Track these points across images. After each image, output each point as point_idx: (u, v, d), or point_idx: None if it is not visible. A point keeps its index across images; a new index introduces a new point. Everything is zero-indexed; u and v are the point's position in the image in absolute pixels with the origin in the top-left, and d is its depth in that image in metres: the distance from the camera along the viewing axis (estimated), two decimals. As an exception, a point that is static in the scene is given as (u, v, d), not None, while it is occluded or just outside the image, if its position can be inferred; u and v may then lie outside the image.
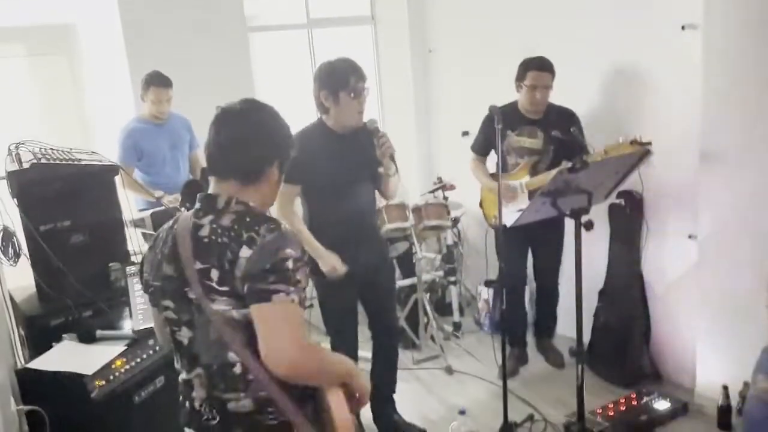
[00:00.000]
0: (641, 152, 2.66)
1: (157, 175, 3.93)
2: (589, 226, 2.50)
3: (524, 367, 3.78)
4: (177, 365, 1.64)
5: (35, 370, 2.24)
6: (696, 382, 3.21)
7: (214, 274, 1.44)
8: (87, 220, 2.73)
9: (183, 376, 1.62)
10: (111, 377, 2.20)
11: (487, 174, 3.63)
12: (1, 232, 2.74)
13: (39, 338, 2.54)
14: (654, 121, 3.17)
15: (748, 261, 2.85)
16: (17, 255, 2.74)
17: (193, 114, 3.94)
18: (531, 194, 3.32)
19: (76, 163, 2.77)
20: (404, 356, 3.90)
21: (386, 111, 5.18)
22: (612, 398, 3.21)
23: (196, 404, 1.57)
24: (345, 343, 2.94)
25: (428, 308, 4.06)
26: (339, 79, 2.68)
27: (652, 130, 3.09)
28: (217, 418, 1.53)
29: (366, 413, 3.16)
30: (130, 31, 4.18)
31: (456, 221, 4.32)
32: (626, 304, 3.50)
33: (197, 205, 1.56)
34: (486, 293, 4.27)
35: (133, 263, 2.71)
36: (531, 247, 3.68)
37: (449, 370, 3.79)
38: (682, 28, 3.01)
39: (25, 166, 2.60)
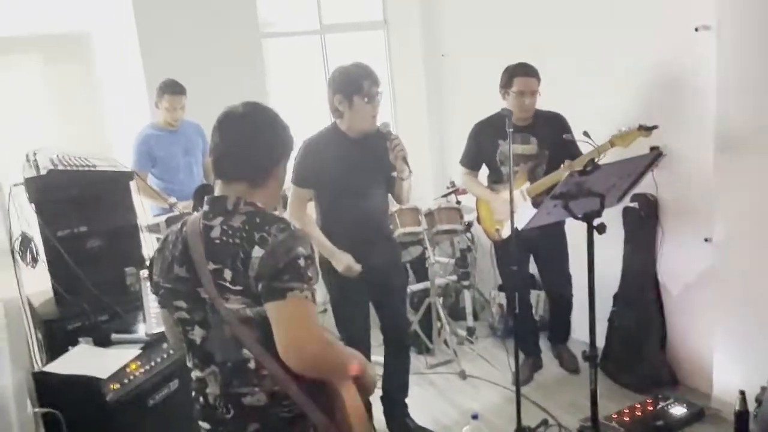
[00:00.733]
0: (654, 155, 2.65)
1: (171, 181, 3.98)
2: (602, 229, 2.48)
3: (539, 372, 3.75)
4: (189, 364, 1.67)
5: (52, 374, 2.27)
6: (713, 387, 3.17)
7: (227, 274, 1.47)
8: (103, 226, 2.76)
9: (196, 374, 1.64)
10: (125, 381, 2.23)
11: (482, 187, 3.59)
12: (20, 238, 2.78)
13: (56, 342, 2.58)
14: (668, 124, 3.14)
15: (765, 264, 2.82)
16: (35, 260, 2.78)
17: (206, 120, 3.92)
18: (534, 200, 3.31)
19: (92, 169, 2.81)
20: (417, 361, 3.90)
21: (399, 115, 5.18)
22: (627, 403, 3.18)
23: (210, 399, 1.60)
24: (357, 347, 2.94)
25: (441, 313, 4.05)
26: (353, 84, 2.70)
27: (667, 133, 3.07)
28: (232, 413, 1.56)
29: (379, 417, 3.17)
30: (145, 38, 4.24)
31: (469, 225, 4.31)
32: (641, 308, 3.47)
33: (205, 207, 1.59)
34: (499, 298, 4.26)
35: (147, 268, 2.73)
36: (533, 255, 3.65)
37: (463, 375, 3.78)
38: (696, 29, 2.99)
39: (43, 172, 2.64)
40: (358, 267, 2.82)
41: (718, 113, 2.89)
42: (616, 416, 3.05)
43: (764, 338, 2.79)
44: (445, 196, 4.39)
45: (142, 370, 2.30)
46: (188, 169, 4.03)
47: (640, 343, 3.44)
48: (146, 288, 2.55)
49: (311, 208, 2.98)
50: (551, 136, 3.32)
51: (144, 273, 2.62)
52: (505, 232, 3.04)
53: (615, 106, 3.50)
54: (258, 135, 1.59)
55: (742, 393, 2.87)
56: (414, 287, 4.20)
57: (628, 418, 3.03)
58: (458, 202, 4.29)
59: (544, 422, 3.17)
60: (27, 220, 2.78)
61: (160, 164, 3.97)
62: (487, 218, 3.60)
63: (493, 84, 3.47)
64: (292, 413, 1.54)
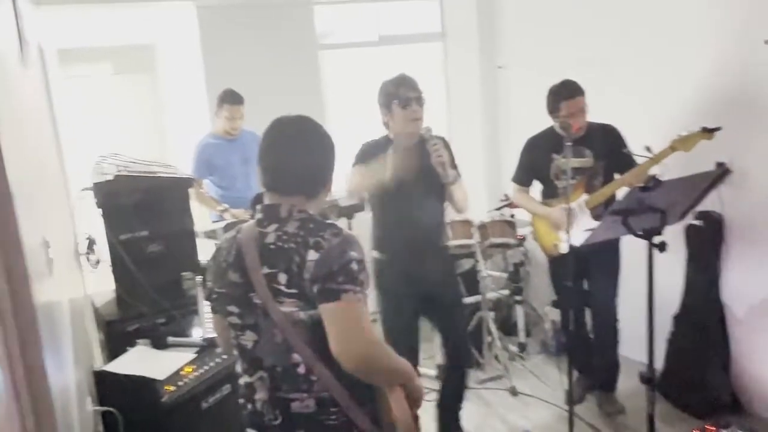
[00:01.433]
0: (719, 171, 2.55)
1: (229, 188, 4.07)
2: (663, 247, 2.40)
3: (593, 393, 3.64)
4: (238, 369, 1.70)
5: (111, 373, 2.35)
6: (779, 416, 3.02)
7: (282, 277, 1.51)
8: (163, 231, 2.85)
9: (245, 379, 1.67)
10: (180, 383, 2.28)
11: (537, 202, 3.50)
12: (86, 240, 2.90)
13: (115, 342, 2.67)
14: (735, 139, 3.02)
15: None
16: (98, 261, 2.90)
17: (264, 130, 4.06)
18: (593, 211, 3.22)
19: (154, 175, 2.91)
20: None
21: (454, 127, 5.16)
22: (686, 428, 3.06)
23: (258, 406, 1.63)
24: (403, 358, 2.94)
25: (492, 327, 4.00)
26: (390, 93, 2.77)
27: (734, 149, 2.96)
28: (280, 419, 1.58)
29: (430, 429, 3.14)
30: (207, 49, 4.37)
31: (523, 239, 4.25)
32: (704, 330, 3.33)
33: (259, 216, 1.63)
34: (553, 314, 4.17)
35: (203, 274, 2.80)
36: (585, 276, 3.53)
37: (513, 391, 3.71)
38: (766, 42, 2.87)
39: (109, 178, 2.74)
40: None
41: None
42: (674, 442, 2.94)
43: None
44: (498, 209, 4.33)
45: (196, 374, 2.35)
46: (246, 177, 4.12)
47: (702, 366, 3.30)
48: (202, 293, 2.60)
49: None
50: (605, 147, 3.23)
51: (200, 278, 2.68)
52: (564, 247, 2.96)
53: (678, 121, 3.39)
54: (312, 152, 1.64)
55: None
56: (465, 300, 4.16)
57: (687, 445, 2.92)
58: (512, 216, 4.22)
59: (598, 444, 3.08)
60: (93, 224, 2.89)
61: (219, 172, 4.07)
62: (544, 233, 3.53)
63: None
64: (338, 421, 1.56)
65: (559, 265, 3.45)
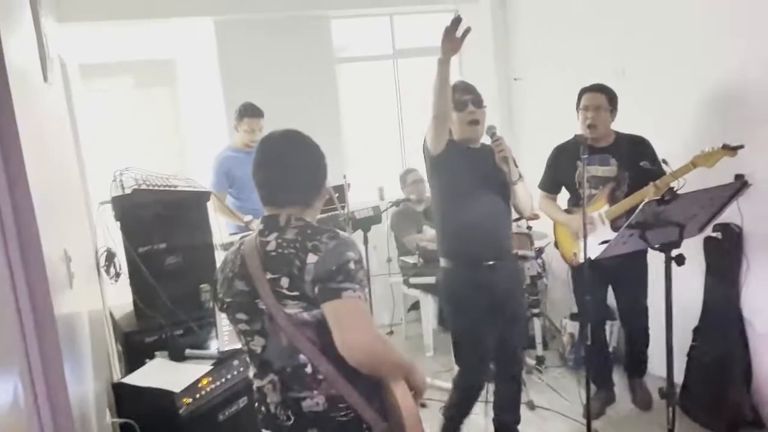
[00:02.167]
0: (739, 184, 2.52)
1: (247, 200, 4.10)
2: (681, 261, 2.38)
3: (612, 407, 3.61)
4: (250, 374, 1.76)
5: (129, 385, 2.36)
6: (803, 433, 2.96)
7: (284, 281, 1.57)
8: (181, 243, 2.88)
9: (257, 383, 1.73)
10: (197, 395, 2.30)
11: (559, 210, 3.54)
12: (105, 253, 2.94)
13: (134, 354, 2.69)
14: (756, 151, 2.99)
15: None
16: (117, 274, 2.93)
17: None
18: (613, 223, 3.21)
19: (172, 189, 2.94)
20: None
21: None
22: (707, 445, 3.01)
23: (272, 408, 1.69)
24: (474, 376, 2.96)
25: (510, 340, 3.96)
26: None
27: (755, 161, 2.92)
28: (292, 419, 1.65)
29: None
30: (225, 64, 4.43)
31: (540, 251, 4.22)
32: (724, 344, 3.28)
33: (260, 226, 1.71)
34: (571, 327, 4.13)
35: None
36: (611, 284, 3.53)
37: (531, 405, 3.68)
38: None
39: (128, 191, 2.78)
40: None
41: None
42: (694, 458, 2.89)
43: None
44: (515, 221, 4.32)
45: (213, 386, 2.37)
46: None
47: (723, 381, 3.25)
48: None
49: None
50: (632, 158, 3.21)
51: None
52: (582, 257, 2.96)
53: (697, 132, 3.37)
54: (300, 165, 1.71)
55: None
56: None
57: (708, 461, 2.87)
58: (529, 228, 4.21)
59: (617, 459, 3.04)
60: (112, 237, 2.93)
61: (238, 184, 4.10)
62: (564, 242, 3.53)
63: (564, 108, 3.42)
64: (348, 417, 1.63)
65: (581, 274, 3.44)
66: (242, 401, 2.45)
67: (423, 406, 3.65)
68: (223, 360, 2.48)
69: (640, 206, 2.35)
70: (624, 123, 3.36)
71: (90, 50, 4.66)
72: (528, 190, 2.89)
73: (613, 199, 3.28)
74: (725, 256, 3.27)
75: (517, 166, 2.87)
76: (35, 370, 1.49)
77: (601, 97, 3.27)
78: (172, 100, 5.61)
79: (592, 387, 3.16)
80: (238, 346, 1.88)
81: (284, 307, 1.58)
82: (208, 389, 2.35)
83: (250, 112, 4.02)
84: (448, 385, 3.16)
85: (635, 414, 3.53)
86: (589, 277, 3.03)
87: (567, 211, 3.51)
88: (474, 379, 2.97)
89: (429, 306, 4.45)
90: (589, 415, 2.89)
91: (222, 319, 2.56)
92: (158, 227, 2.82)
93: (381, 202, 4.58)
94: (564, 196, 3.58)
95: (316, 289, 1.54)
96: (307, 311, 1.57)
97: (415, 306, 4.80)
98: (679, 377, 3.20)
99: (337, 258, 1.55)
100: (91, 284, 2.83)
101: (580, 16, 4.14)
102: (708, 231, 3.00)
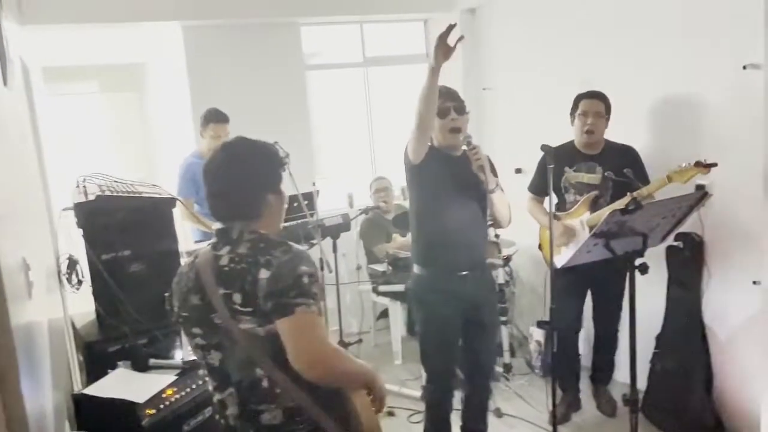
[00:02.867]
0: (699, 194, 2.58)
1: (213, 208, 4.05)
2: (644, 269, 2.42)
3: (577, 413, 3.65)
4: (210, 387, 1.74)
5: (90, 396, 2.30)
6: (761, 436, 3.03)
7: (237, 297, 1.56)
8: (145, 251, 2.82)
9: (217, 396, 1.71)
10: (161, 406, 2.25)
11: (545, 213, 3.57)
12: (67, 260, 2.87)
13: (96, 364, 2.63)
14: (716, 161, 3.07)
15: (817, 310, 2.70)
16: (80, 282, 2.86)
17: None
18: (593, 230, 3.26)
19: (137, 195, 2.89)
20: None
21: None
22: (670, 450, 3.06)
23: (231, 421, 1.68)
24: (439, 384, 2.94)
25: (478, 347, 3.98)
26: None
27: (714, 172, 2.99)
28: None
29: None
30: (193, 69, 4.38)
31: (508, 260, 4.26)
32: (686, 351, 3.35)
33: (213, 240, 1.70)
34: (538, 335, 4.17)
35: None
36: (591, 290, 3.57)
37: (498, 413, 3.69)
38: (744, 67, 2.93)
39: (91, 197, 2.73)
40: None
41: (767, 152, 2.81)
42: (657, 463, 2.94)
43: (817, 388, 2.65)
44: (484, 229, 4.35)
45: (177, 396, 2.32)
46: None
47: (684, 387, 3.31)
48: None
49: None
50: (618, 167, 3.25)
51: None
52: (558, 261, 2.97)
53: (660, 141, 3.44)
54: (238, 178, 1.67)
55: (793, 444, 2.75)
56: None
57: (670, 466, 2.92)
58: (497, 236, 4.24)
59: (582, 466, 3.07)
60: (74, 244, 2.87)
61: (203, 191, 4.04)
62: (547, 246, 3.58)
63: (533, 117, 3.47)
64: (306, 430, 1.61)
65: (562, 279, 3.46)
66: (207, 411, 2.40)
67: (391, 414, 3.64)
68: (188, 370, 2.44)
69: (605, 216, 2.39)
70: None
71: (54, 54, 4.57)
72: (506, 200, 2.87)
73: (595, 207, 3.33)
74: (687, 265, 3.34)
75: (496, 176, 2.88)
76: (-10, 382, 1.44)
77: (599, 104, 3.34)
78: (138, 105, 5.52)
79: (558, 393, 3.18)
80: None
81: (238, 322, 1.56)
82: (172, 399, 2.30)
83: (215, 117, 3.97)
84: (417, 393, 3.16)
85: (600, 420, 3.58)
86: (569, 282, 3.06)
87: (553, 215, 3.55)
88: (441, 385, 2.97)
89: (398, 314, 4.45)
90: (555, 421, 2.92)
91: (187, 329, 2.52)
92: (122, 234, 2.77)
93: (350, 210, 4.57)
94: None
95: (269, 305, 1.52)
96: (261, 326, 1.55)
97: (384, 314, 4.79)
98: (642, 384, 3.25)
99: (290, 273, 1.53)
100: (51, 293, 2.76)
101: (548, 27, 4.21)
102: (670, 240, 3.07)
